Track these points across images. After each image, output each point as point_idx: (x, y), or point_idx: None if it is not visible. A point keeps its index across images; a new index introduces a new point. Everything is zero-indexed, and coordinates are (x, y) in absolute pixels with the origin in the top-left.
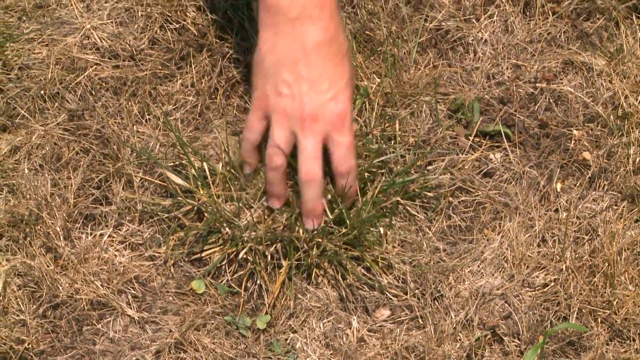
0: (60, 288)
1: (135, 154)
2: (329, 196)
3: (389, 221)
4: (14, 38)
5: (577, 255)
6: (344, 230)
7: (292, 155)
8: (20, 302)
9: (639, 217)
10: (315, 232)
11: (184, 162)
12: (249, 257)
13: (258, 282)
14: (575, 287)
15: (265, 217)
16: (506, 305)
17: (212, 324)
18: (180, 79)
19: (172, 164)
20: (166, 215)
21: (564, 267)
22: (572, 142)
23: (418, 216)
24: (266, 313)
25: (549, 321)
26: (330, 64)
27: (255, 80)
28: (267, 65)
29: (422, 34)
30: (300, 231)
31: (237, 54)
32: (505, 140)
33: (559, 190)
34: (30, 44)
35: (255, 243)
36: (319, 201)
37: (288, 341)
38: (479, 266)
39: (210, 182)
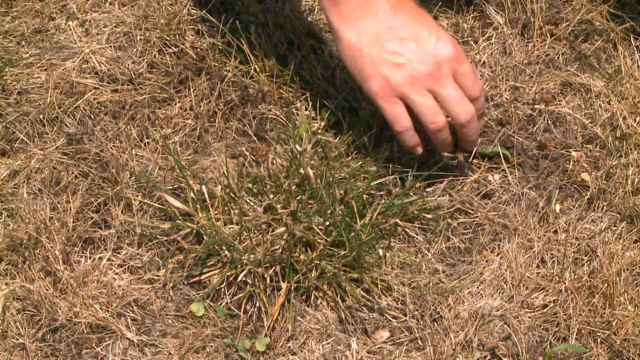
0: (60, 312)
1: (134, 177)
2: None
3: (388, 243)
4: (13, 62)
5: (576, 276)
6: (342, 252)
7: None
8: (19, 326)
9: (638, 237)
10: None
11: (182, 185)
12: (248, 280)
13: (257, 304)
14: (575, 308)
15: (264, 240)
16: (505, 326)
17: (212, 346)
18: (179, 102)
19: (171, 187)
20: (165, 238)
21: (563, 287)
22: (571, 163)
23: (417, 238)
24: (265, 335)
25: (548, 342)
26: (415, 14)
27: (364, 73)
28: (367, 51)
29: None
30: (300, 254)
31: (236, 77)
32: (504, 161)
33: (557, 211)
34: (30, 68)
35: (255, 265)
36: (480, 128)
37: None
38: (478, 287)
39: (209, 205)
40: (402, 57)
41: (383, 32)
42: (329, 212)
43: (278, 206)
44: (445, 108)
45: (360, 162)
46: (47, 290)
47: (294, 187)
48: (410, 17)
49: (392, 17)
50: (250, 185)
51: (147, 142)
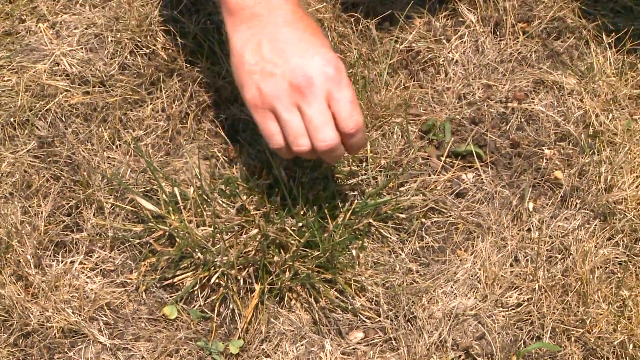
0: (31, 316)
1: (106, 180)
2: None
3: (362, 243)
4: None
5: (549, 275)
6: (316, 253)
7: None
8: None
9: (611, 235)
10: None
11: (155, 187)
12: (221, 282)
13: (231, 306)
14: (549, 307)
15: (237, 242)
16: (479, 325)
17: (185, 349)
18: (150, 104)
19: (143, 189)
20: (138, 241)
21: (536, 286)
22: (544, 161)
23: (390, 238)
24: (239, 338)
25: (522, 341)
26: (307, 32)
27: (241, 80)
28: (247, 59)
29: (392, 56)
30: (273, 255)
31: (208, 78)
32: (477, 160)
33: (531, 209)
34: (0, 71)
35: (228, 267)
36: (341, 157)
37: None
38: (452, 287)
39: (182, 207)
40: (277, 67)
41: (266, 42)
42: (301, 213)
43: (251, 207)
44: (307, 129)
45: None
46: (19, 294)
47: (266, 189)
48: (299, 32)
49: (279, 30)
50: (222, 187)
51: (119, 145)
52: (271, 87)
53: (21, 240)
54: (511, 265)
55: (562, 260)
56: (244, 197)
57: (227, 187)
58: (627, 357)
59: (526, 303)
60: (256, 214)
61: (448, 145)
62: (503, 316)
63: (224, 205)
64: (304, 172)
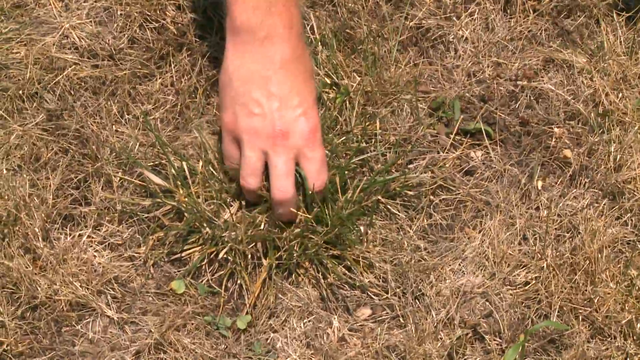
0: (39, 289)
1: (114, 153)
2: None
3: (370, 220)
4: None
5: (558, 253)
6: (324, 230)
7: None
8: None
9: (619, 214)
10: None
11: (163, 161)
12: (229, 257)
13: (238, 282)
14: (557, 285)
15: (246, 216)
16: (487, 303)
17: (192, 324)
18: (159, 78)
19: (152, 163)
20: (146, 215)
21: (545, 265)
22: (553, 139)
23: (399, 215)
24: (247, 313)
25: (529, 319)
26: (300, 79)
27: (224, 101)
28: (235, 85)
29: (402, 32)
30: (281, 230)
31: (217, 52)
32: (486, 138)
33: (539, 188)
34: (9, 43)
35: (236, 243)
36: (292, 214)
37: (268, 341)
38: (460, 265)
39: (190, 182)
40: (260, 109)
41: (258, 78)
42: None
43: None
44: (269, 176)
45: (342, 139)
46: (27, 267)
47: None
48: (292, 79)
49: (274, 70)
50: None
51: (128, 119)
52: (247, 124)
53: (29, 213)
54: (519, 244)
55: (570, 239)
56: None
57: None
58: (635, 336)
59: (534, 281)
60: (264, 186)
61: (457, 123)
62: (511, 294)
63: (231, 180)
64: None
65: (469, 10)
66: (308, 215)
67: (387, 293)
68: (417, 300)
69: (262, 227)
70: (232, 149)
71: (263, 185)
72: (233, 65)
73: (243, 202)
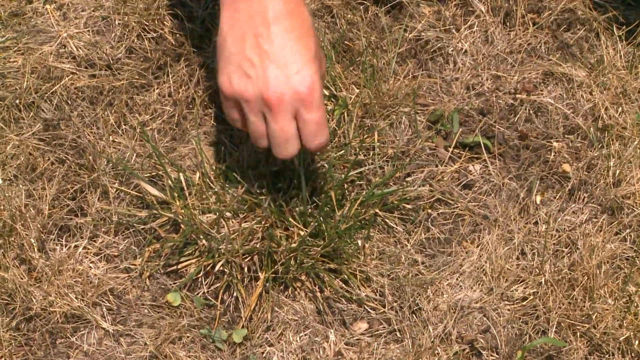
0: (34, 300)
1: (111, 164)
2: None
3: (367, 233)
4: None
5: (556, 269)
6: (321, 243)
7: None
8: None
9: (618, 230)
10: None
11: (160, 173)
12: (225, 270)
13: (235, 294)
14: (555, 301)
15: (242, 229)
16: (485, 318)
17: (188, 337)
18: (157, 88)
19: (149, 174)
20: (142, 226)
21: (543, 280)
22: (552, 154)
23: (396, 228)
24: (243, 326)
25: (527, 335)
26: (294, 35)
27: (219, 64)
28: (229, 44)
29: (401, 44)
30: (278, 244)
31: (215, 63)
32: (484, 151)
33: (538, 202)
34: (6, 52)
35: (232, 255)
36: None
37: (264, 354)
38: (457, 279)
39: (187, 194)
40: (253, 69)
41: (251, 36)
42: (307, 201)
43: (257, 191)
44: (270, 139)
45: (340, 151)
46: (22, 278)
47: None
48: (284, 35)
49: (266, 26)
50: (228, 173)
51: (125, 129)
52: (242, 86)
53: (25, 224)
54: (517, 259)
55: (568, 255)
56: (250, 184)
57: (233, 173)
58: (633, 353)
59: (532, 297)
60: (262, 199)
61: (456, 136)
62: (508, 310)
63: (229, 191)
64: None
65: (469, 23)
66: (305, 230)
67: (384, 307)
68: (414, 315)
69: (258, 240)
70: (234, 113)
71: None
72: (227, 25)
73: (240, 215)
